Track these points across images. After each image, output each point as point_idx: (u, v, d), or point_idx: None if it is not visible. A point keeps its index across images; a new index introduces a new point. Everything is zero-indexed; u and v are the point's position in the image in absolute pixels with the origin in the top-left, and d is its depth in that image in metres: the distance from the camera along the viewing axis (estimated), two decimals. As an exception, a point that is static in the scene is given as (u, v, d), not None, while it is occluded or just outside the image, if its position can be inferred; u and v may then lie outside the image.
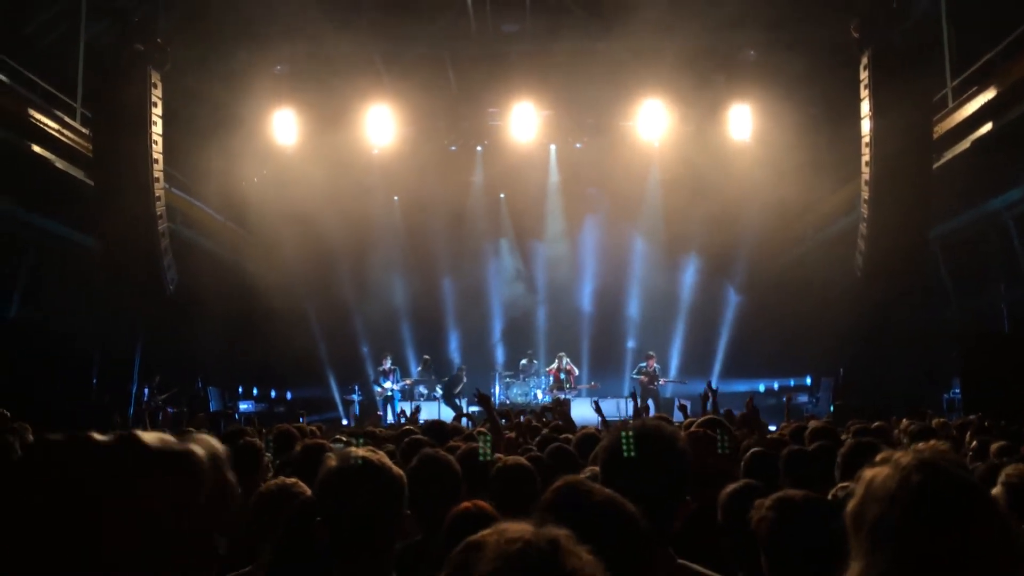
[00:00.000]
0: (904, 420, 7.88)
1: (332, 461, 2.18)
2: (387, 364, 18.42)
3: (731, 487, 3.04)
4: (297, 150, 17.57)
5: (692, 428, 4.09)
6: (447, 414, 16.32)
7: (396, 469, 2.20)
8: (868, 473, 1.38)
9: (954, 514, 1.26)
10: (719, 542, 2.90)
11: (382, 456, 2.20)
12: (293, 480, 2.94)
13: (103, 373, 14.49)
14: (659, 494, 2.18)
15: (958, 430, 6.89)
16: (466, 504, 2.56)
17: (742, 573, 2.74)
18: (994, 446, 4.34)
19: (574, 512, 1.69)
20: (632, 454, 2.21)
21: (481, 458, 2.98)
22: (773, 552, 2.39)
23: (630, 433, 2.27)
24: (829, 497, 2.89)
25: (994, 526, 1.27)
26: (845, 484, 2.92)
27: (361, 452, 2.19)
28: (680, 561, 2.23)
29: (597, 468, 2.58)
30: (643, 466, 2.21)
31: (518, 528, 1.12)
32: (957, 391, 14.56)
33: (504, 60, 16.80)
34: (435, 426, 6.63)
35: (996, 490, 3.00)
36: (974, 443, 5.27)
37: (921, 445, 1.43)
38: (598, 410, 9.24)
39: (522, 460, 3.85)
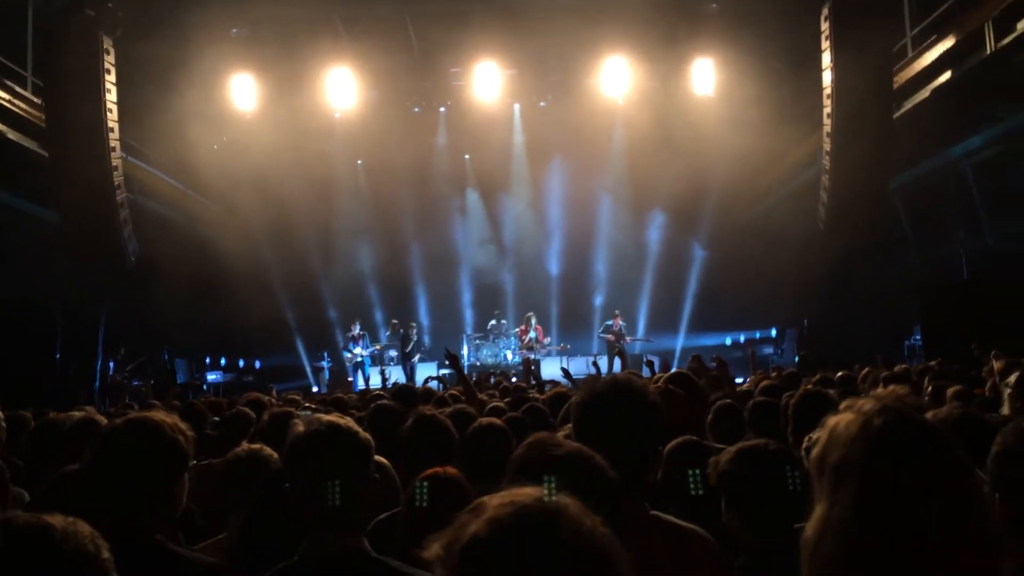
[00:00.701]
0: (867, 368, 8.04)
1: (299, 427, 2.18)
2: (356, 330, 18.38)
3: (669, 445, 3.05)
4: (256, 115, 17.27)
5: (659, 383, 4.13)
6: (418, 379, 16.37)
7: (363, 434, 2.21)
8: (831, 420, 1.42)
9: (912, 452, 1.31)
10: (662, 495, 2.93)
11: (349, 421, 2.20)
12: (260, 446, 2.94)
13: (67, 347, 14.29)
14: (633, 447, 2.21)
15: (918, 375, 7.05)
16: (432, 470, 2.56)
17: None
18: (950, 391, 4.45)
19: (542, 467, 1.71)
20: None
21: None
22: (738, 502, 2.44)
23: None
24: (803, 446, 2.95)
25: (950, 463, 1.32)
26: (811, 435, 2.98)
27: (327, 418, 2.19)
28: (653, 512, 2.26)
29: (567, 428, 2.60)
30: (616, 421, 2.23)
31: (523, 493, 1.12)
32: (918, 338, 14.86)
33: (466, 19, 16.57)
34: (404, 391, 6.66)
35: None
36: (930, 388, 5.41)
37: (880, 390, 1.47)
38: (567, 375, 9.34)
39: (496, 421, 3.87)
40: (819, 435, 1.45)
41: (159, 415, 2.28)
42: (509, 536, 1.05)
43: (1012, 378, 4.08)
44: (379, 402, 4.21)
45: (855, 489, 1.30)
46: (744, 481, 2.42)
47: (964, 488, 1.29)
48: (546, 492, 1.12)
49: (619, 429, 2.20)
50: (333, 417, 2.21)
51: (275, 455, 2.76)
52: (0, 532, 1.30)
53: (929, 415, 2.61)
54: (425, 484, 2.41)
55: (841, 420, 1.39)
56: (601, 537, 1.10)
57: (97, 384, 14.18)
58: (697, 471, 2.59)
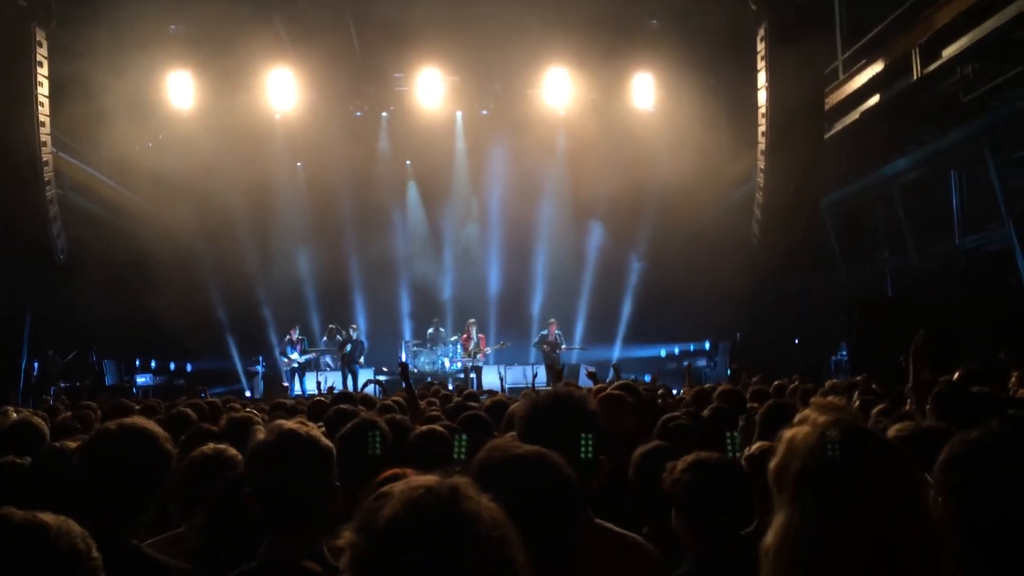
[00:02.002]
0: (797, 381, 8.29)
1: (261, 433, 2.20)
2: (295, 335, 18.15)
3: (643, 448, 3.19)
4: (194, 114, 16.98)
5: (603, 393, 4.22)
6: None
7: (325, 441, 2.23)
8: (788, 433, 1.51)
9: (866, 461, 1.42)
10: (629, 499, 3.06)
11: (311, 428, 2.23)
12: (224, 446, 2.94)
13: (-11, 347, 13.83)
14: (576, 456, 2.28)
15: (846, 390, 7.28)
16: (390, 471, 2.60)
17: (647, 528, 2.91)
18: (875, 410, 4.65)
19: (504, 466, 1.80)
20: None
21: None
22: (688, 509, 2.55)
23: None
24: (746, 455, 3.09)
25: (900, 469, 1.44)
26: (761, 443, 3.12)
27: (289, 424, 2.22)
28: (597, 521, 2.34)
29: (513, 434, 2.66)
30: (559, 430, 2.30)
31: (425, 478, 1.21)
32: (844, 353, 15.33)
33: (409, 24, 16.53)
34: (343, 397, 6.65)
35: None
36: (858, 402, 5.62)
37: (818, 399, 1.58)
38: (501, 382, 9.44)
39: (437, 427, 3.92)
40: (776, 446, 1.54)
41: (146, 424, 2.33)
42: (420, 512, 1.14)
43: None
44: (339, 406, 4.20)
45: (813, 497, 1.39)
46: (692, 490, 2.53)
47: (912, 494, 1.40)
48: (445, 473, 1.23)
49: (562, 439, 2.28)
50: (295, 424, 2.23)
51: (239, 456, 2.77)
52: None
53: (892, 431, 2.78)
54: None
55: (798, 432, 1.49)
56: (495, 508, 1.20)
57: (21, 385, 13.71)
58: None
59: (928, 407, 4.16)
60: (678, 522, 2.58)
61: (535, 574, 1.24)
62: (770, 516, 1.49)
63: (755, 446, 3.14)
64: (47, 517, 1.39)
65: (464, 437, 3.12)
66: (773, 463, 1.50)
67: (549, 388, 3.72)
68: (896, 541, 1.36)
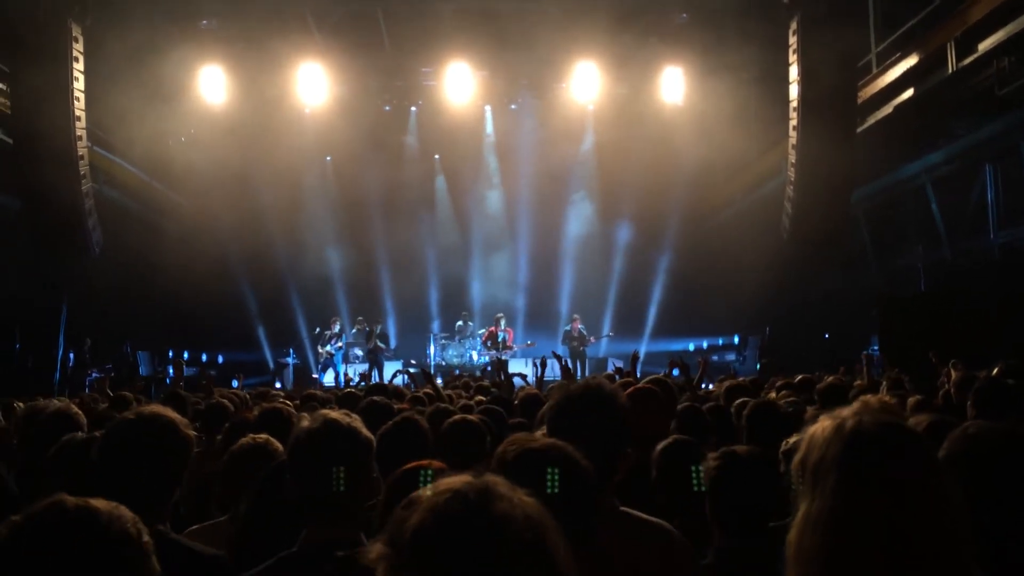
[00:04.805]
0: (828, 376, 8.23)
1: (304, 421, 2.25)
2: (336, 327, 18.26)
3: (662, 444, 3.20)
4: (226, 108, 17.15)
5: (633, 387, 4.23)
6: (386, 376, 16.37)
7: (365, 431, 2.28)
8: (811, 429, 1.53)
9: (885, 448, 1.43)
10: (655, 496, 3.08)
11: (353, 419, 2.27)
12: (266, 437, 3.00)
13: (26, 337, 14.07)
14: (601, 447, 2.32)
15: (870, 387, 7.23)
16: (414, 463, 2.63)
17: (677, 520, 2.92)
18: (910, 401, 4.62)
19: (522, 458, 1.85)
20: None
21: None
22: (714, 499, 2.58)
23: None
24: (782, 449, 3.10)
25: (920, 459, 1.45)
26: (791, 439, 3.12)
27: (331, 414, 2.26)
28: (623, 508, 2.38)
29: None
30: (586, 422, 2.35)
31: (453, 480, 1.15)
32: (876, 348, 15.18)
33: (439, 19, 16.60)
34: (376, 389, 6.70)
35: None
36: (888, 397, 5.58)
37: (868, 397, 1.61)
38: (523, 377, 9.49)
39: (470, 417, 3.95)
40: (800, 441, 1.57)
41: (168, 412, 2.37)
42: (448, 519, 1.09)
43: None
44: (372, 399, 4.25)
45: (831, 485, 1.42)
46: (720, 481, 2.55)
47: (933, 484, 1.42)
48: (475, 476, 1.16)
49: (589, 429, 2.31)
50: (336, 414, 2.28)
51: (280, 447, 2.82)
52: (51, 514, 1.39)
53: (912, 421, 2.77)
54: (429, 473, 2.48)
55: (819, 426, 1.51)
56: (531, 504, 1.14)
57: (57, 375, 13.97)
58: (698, 468, 2.73)
59: (968, 402, 4.14)
60: (708, 512, 2.61)
61: None
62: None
63: (792, 439, 3.14)
64: (99, 503, 1.44)
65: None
66: (796, 457, 1.53)
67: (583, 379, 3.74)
68: (915, 532, 1.37)
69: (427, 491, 1.15)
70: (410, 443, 3.26)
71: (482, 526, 1.09)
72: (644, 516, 2.41)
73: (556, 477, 1.82)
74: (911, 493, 1.39)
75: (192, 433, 2.39)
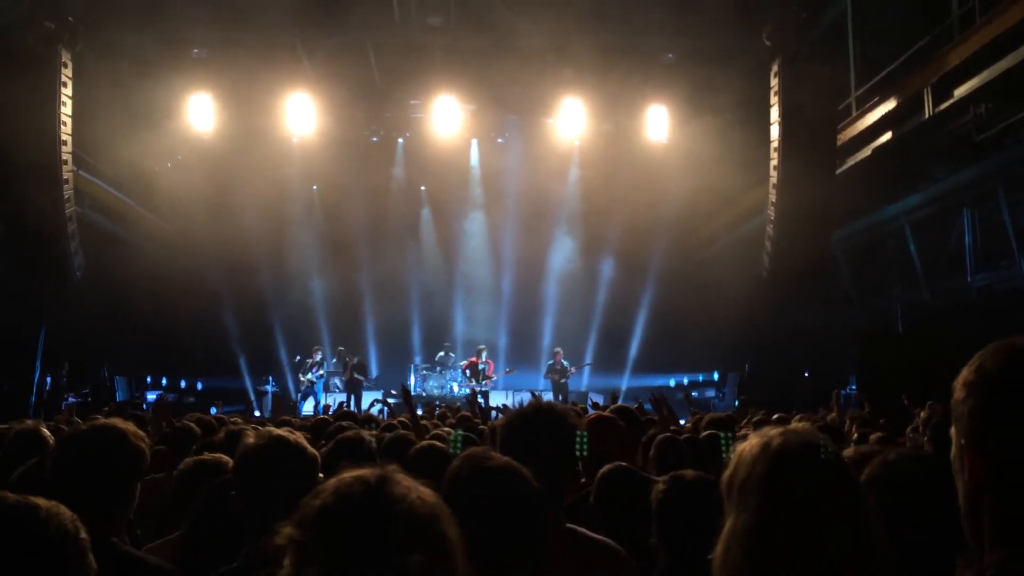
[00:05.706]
0: (800, 414, 8.28)
1: (250, 438, 2.27)
2: (318, 356, 18.21)
3: (602, 470, 3.20)
4: (213, 136, 17.22)
5: (596, 414, 4.27)
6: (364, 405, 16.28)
7: (310, 449, 2.31)
8: (740, 447, 1.57)
9: (807, 468, 1.47)
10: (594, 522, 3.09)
11: (298, 436, 2.30)
12: (217, 455, 3.01)
13: (3, 360, 13.97)
14: (550, 466, 2.36)
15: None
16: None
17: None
18: (872, 436, 4.67)
19: (475, 477, 1.89)
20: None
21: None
22: (658, 523, 2.60)
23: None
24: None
25: (840, 480, 1.49)
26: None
27: (276, 431, 2.29)
28: (569, 525, 2.41)
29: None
30: (535, 440, 2.41)
31: (358, 470, 1.25)
32: (853, 387, 15.26)
33: (428, 52, 16.79)
34: (345, 415, 6.72)
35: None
36: (856, 434, 5.64)
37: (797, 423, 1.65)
38: (501, 411, 9.44)
39: (436, 443, 3.97)
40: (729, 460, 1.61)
41: (121, 423, 2.39)
42: (348, 500, 1.18)
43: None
44: (340, 423, 4.26)
45: (756, 501, 1.46)
46: (667, 504, 2.58)
47: (852, 502, 1.46)
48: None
49: (539, 448, 2.35)
50: (283, 432, 2.31)
51: (227, 461, 2.84)
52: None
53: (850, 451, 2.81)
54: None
55: (747, 444, 1.55)
56: (428, 493, 1.24)
57: (33, 399, 13.84)
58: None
59: (926, 437, 4.20)
60: (655, 536, 2.63)
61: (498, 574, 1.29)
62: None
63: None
64: (38, 500, 1.46)
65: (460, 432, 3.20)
66: (725, 475, 1.57)
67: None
68: (834, 547, 1.40)
69: (331, 481, 1.24)
70: (356, 460, 3.27)
71: (379, 505, 1.18)
72: (590, 534, 2.45)
73: (506, 493, 1.87)
74: (831, 510, 1.43)
75: (144, 444, 2.40)
